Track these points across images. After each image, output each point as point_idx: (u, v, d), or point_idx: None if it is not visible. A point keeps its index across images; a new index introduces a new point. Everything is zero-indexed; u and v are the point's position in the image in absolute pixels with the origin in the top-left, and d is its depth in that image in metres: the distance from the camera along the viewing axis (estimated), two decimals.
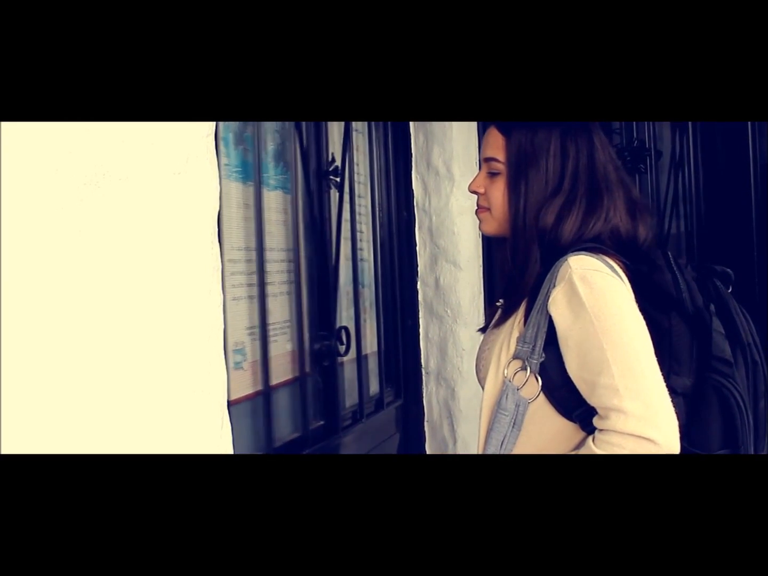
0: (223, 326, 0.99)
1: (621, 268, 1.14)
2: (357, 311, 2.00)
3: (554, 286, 1.12)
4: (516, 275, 1.22)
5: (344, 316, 2.00)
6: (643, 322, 1.09)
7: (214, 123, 0.97)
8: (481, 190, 1.27)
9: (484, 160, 1.27)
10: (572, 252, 1.13)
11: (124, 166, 0.85)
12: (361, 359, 2.01)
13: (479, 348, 1.30)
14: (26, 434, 0.77)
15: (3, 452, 0.74)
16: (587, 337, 1.07)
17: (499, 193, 1.24)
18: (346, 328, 1.91)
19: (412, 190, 2.41)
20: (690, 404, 1.07)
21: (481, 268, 2.40)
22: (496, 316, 1.26)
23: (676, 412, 1.03)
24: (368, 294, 2.20)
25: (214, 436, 0.94)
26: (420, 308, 2.42)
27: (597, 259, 1.12)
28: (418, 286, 2.43)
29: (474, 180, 1.29)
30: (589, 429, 1.10)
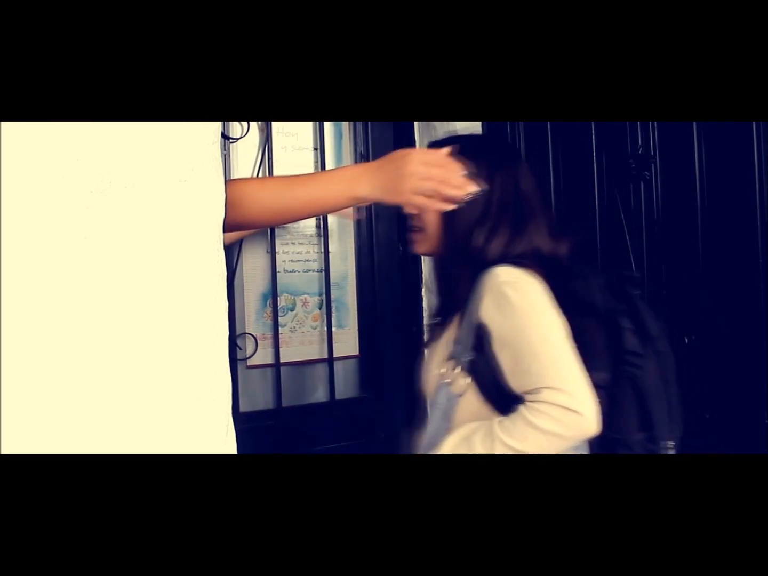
0: (228, 333, 0.99)
1: (539, 279, 1.27)
2: (275, 318, 2.08)
3: (484, 293, 1.26)
4: (447, 291, 1.39)
5: (263, 323, 2.09)
6: (561, 319, 1.23)
7: (219, 131, 0.98)
8: (416, 211, 1.37)
9: None
10: (496, 265, 1.28)
11: (130, 174, 0.86)
12: (278, 364, 2.07)
13: (425, 364, 1.43)
14: (30, 437, 0.78)
15: (3, 452, 0.74)
16: (518, 334, 1.22)
17: (432, 215, 1.37)
18: (251, 335, 2.03)
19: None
20: (609, 395, 1.23)
21: None
22: (437, 332, 1.40)
23: (597, 403, 1.17)
24: (319, 301, 2.23)
25: (218, 443, 0.94)
26: (424, 315, 2.42)
27: (519, 268, 1.27)
28: (423, 293, 2.43)
29: None
30: (504, 412, 1.23)
